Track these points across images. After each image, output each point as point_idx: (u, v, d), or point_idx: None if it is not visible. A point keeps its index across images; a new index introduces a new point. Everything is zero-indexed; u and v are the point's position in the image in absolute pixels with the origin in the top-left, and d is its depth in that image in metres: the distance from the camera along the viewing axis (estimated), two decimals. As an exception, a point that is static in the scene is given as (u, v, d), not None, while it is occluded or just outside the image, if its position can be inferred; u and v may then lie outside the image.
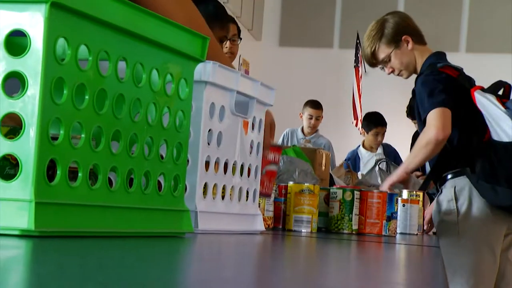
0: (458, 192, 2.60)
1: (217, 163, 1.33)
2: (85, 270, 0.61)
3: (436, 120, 2.45)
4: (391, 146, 5.34)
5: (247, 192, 1.44)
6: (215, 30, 2.89)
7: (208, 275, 0.66)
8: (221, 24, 2.91)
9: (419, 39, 2.70)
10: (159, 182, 1.05)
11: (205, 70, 1.28)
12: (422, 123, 2.50)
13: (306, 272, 0.80)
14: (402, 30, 2.63)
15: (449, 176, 2.69)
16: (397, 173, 2.36)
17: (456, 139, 2.53)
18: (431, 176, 2.64)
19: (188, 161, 1.25)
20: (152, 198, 1.02)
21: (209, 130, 1.30)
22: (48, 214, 0.82)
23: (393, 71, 2.65)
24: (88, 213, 0.90)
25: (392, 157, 4.85)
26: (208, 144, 1.30)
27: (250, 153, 1.46)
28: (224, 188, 1.35)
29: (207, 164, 1.30)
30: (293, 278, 0.71)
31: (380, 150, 5.32)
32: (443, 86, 2.48)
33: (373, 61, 2.61)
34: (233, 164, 1.39)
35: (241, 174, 1.42)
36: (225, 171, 1.36)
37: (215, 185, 1.32)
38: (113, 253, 0.81)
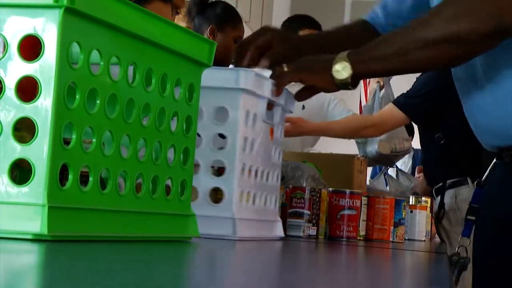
0: (459, 202, 2.61)
1: (250, 170, 1.36)
2: (94, 274, 0.61)
3: (389, 120, 2.59)
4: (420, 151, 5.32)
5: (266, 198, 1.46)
6: (227, 31, 2.89)
7: (219, 280, 0.66)
8: (232, 24, 2.91)
9: None
10: (166, 187, 1.05)
11: (241, 77, 1.30)
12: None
13: (313, 278, 0.80)
14: None
15: (450, 185, 2.70)
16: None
17: (462, 146, 2.53)
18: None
19: (225, 168, 1.29)
20: (160, 203, 1.02)
21: (245, 137, 1.33)
22: (60, 218, 0.83)
23: None
24: (98, 217, 0.90)
25: (418, 162, 4.81)
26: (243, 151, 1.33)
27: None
28: (254, 194, 1.37)
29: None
30: (301, 284, 0.71)
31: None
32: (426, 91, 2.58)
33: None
34: (262, 171, 1.41)
35: (267, 181, 1.44)
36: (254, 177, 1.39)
37: (248, 192, 1.34)
38: (121, 257, 0.81)
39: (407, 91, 2.75)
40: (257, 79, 1.34)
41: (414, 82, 2.78)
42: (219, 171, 1.34)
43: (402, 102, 2.69)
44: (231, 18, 2.93)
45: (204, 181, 1.31)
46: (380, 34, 1.64)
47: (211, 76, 1.31)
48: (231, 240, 1.26)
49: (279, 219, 1.51)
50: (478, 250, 1.51)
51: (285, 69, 1.41)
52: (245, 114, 1.33)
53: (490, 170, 1.52)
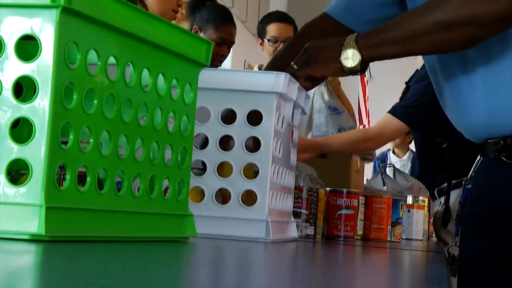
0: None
1: (278, 172, 1.38)
2: (91, 274, 0.61)
3: (388, 132, 2.57)
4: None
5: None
6: (208, 32, 2.89)
7: (217, 280, 0.66)
8: (215, 26, 2.90)
9: None
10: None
11: (277, 81, 1.30)
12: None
13: (311, 278, 0.80)
14: None
15: (455, 185, 2.69)
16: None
17: (464, 147, 2.52)
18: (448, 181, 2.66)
19: (258, 171, 1.32)
20: (158, 203, 1.02)
21: (276, 140, 1.34)
22: (57, 218, 0.83)
23: None
24: (96, 217, 0.90)
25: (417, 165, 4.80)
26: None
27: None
28: (279, 196, 1.39)
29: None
30: (297, 285, 0.71)
31: (406, 156, 5.27)
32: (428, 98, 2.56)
33: None
34: (282, 172, 1.43)
35: (285, 181, 1.46)
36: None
37: (275, 194, 1.36)
38: (118, 257, 0.81)
39: (404, 100, 2.72)
40: (289, 82, 1.36)
41: (407, 89, 2.76)
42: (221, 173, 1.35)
43: (400, 111, 2.66)
44: (214, 19, 2.93)
45: (237, 184, 1.32)
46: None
47: (244, 79, 1.33)
48: (232, 241, 1.26)
49: (293, 219, 1.53)
50: (461, 249, 1.51)
51: (295, 66, 1.40)
52: (277, 118, 1.34)
53: (474, 168, 1.52)
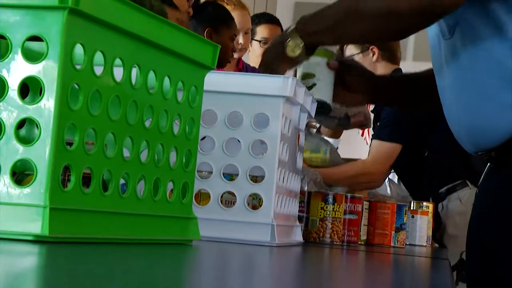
0: (464, 204, 2.60)
1: (284, 176, 1.38)
2: (94, 276, 0.61)
3: (382, 159, 2.52)
4: None
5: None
6: (223, 31, 2.90)
7: (220, 283, 0.66)
8: (227, 24, 2.92)
9: (389, 57, 2.72)
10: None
11: (285, 85, 1.31)
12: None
13: (312, 283, 0.80)
14: None
15: (451, 189, 2.68)
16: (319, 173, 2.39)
17: (446, 152, 2.52)
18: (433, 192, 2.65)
19: (265, 175, 1.31)
20: (162, 205, 1.02)
21: (283, 144, 1.34)
22: (61, 220, 0.83)
23: None
24: (100, 219, 0.90)
25: None
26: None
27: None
28: (284, 200, 1.39)
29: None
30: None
31: None
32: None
33: (341, 53, 2.66)
34: (288, 176, 1.43)
35: (291, 185, 1.46)
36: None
37: (281, 198, 1.36)
38: (122, 259, 0.81)
39: (382, 121, 2.68)
40: (296, 86, 1.36)
41: (378, 113, 2.73)
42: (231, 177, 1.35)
43: (384, 132, 2.63)
44: (224, 18, 2.94)
45: (242, 187, 1.32)
46: None
47: (251, 83, 1.33)
48: (237, 245, 1.26)
49: (299, 223, 1.53)
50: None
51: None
52: (284, 121, 1.34)
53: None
